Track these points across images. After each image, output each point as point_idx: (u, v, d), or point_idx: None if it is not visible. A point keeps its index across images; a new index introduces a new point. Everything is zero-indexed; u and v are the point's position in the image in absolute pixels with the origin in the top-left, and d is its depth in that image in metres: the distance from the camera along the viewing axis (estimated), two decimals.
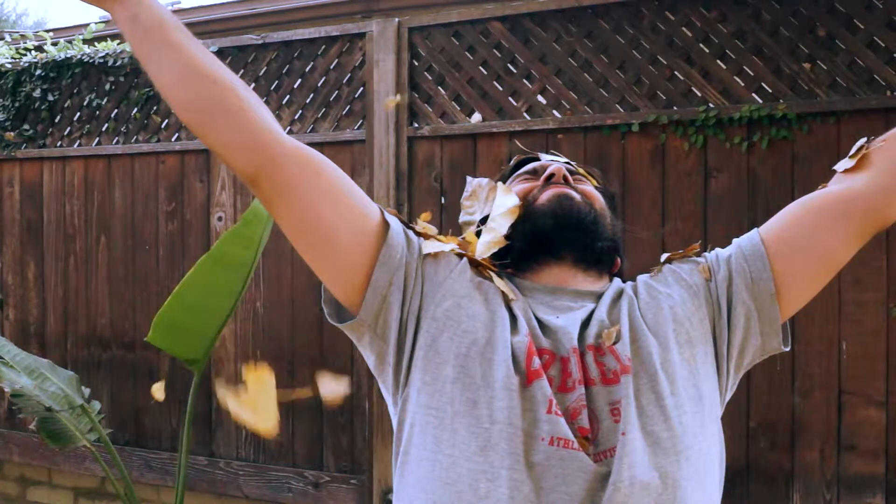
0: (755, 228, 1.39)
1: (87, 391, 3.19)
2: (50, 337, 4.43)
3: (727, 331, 1.33)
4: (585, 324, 1.29)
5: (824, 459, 2.93)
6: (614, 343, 1.26)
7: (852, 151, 1.37)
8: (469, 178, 1.53)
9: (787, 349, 1.37)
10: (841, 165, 1.38)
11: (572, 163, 1.53)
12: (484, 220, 1.45)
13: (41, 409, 2.97)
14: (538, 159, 1.53)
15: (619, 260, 1.46)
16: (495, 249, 1.39)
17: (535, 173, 1.48)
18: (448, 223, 3.42)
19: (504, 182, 1.51)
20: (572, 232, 1.36)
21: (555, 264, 1.38)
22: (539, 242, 1.37)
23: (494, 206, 1.43)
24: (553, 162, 1.49)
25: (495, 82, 3.46)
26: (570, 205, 1.38)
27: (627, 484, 1.15)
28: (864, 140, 1.38)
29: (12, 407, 4.08)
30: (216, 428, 4.00)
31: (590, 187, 1.46)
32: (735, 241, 1.40)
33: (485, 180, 1.51)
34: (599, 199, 1.45)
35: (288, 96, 3.86)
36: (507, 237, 1.39)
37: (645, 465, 1.17)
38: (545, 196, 1.40)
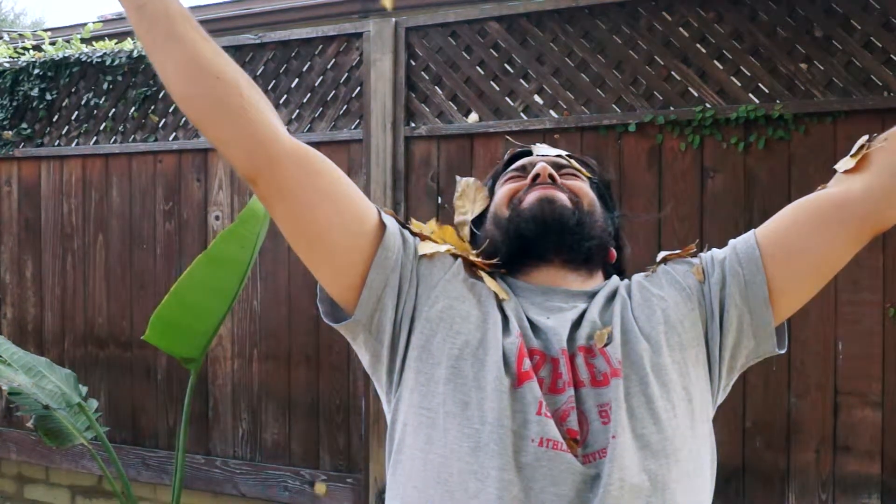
0: (752, 230, 1.37)
1: (84, 389, 3.19)
2: (47, 335, 4.43)
3: (719, 333, 1.32)
4: (576, 325, 1.29)
5: (820, 460, 2.94)
6: (605, 345, 1.25)
7: (853, 150, 1.33)
8: (458, 179, 1.53)
9: (783, 352, 1.35)
10: (841, 165, 1.34)
11: (563, 154, 1.50)
12: (476, 220, 1.47)
13: (39, 408, 2.98)
14: (531, 153, 1.51)
15: (613, 251, 1.45)
16: (465, 230, 1.46)
17: (524, 170, 1.46)
18: (445, 223, 3.42)
19: (497, 177, 1.51)
20: (556, 235, 1.35)
21: (543, 266, 1.38)
22: (524, 246, 1.37)
23: (475, 204, 1.49)
24: (541, 159, 1.47)
25: (492, 82, 3.46)
26: (552, 209, 1.36)
27: (618, 486, 1.15)
28: (865, 138, 1.33)
29: (10, 405, 4.08)
30: (213, 426, 4.00)
31: (579, 182, 1.44)
32: (731, 242, 1.38)
33: (471, 179, 1.51)
34: (589, 195, 1.42)
35: (285, 96, 3.86)
36: (499, 235, 1.41)
37: (635, 467, 1.17)
38: (529, 199, 1.39)
